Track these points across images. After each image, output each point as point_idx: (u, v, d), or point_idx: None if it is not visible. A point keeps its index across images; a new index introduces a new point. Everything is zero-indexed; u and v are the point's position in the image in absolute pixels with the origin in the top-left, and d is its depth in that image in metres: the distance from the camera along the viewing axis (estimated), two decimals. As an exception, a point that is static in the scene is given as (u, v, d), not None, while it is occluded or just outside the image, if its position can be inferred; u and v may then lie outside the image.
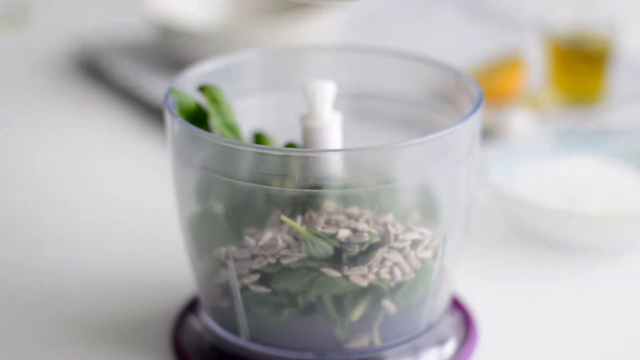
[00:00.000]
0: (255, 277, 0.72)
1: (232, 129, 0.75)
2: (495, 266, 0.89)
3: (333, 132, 0.74)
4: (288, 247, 0.70)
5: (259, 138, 0.79)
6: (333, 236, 0.69)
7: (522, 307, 0.84)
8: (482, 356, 0.78)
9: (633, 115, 1.13)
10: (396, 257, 0.71)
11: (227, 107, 0.75)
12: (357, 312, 0.72)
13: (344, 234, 0.69)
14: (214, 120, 0.75)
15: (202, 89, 0.75)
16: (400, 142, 0.68)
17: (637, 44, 1.28)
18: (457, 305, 0.82)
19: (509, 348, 0.79)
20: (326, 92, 0.74)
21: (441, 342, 0.77)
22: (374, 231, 0.70)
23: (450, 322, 0.79)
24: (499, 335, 0.80)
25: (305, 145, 0.74)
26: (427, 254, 0.72)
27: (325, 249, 0.70)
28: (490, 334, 0.80)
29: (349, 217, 0.70)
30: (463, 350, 0.78)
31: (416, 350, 0.76)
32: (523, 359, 0.79)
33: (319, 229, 0.69)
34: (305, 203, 0.70)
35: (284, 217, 0.70)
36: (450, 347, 0.77)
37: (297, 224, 0.70)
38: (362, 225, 0.69)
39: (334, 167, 0.69)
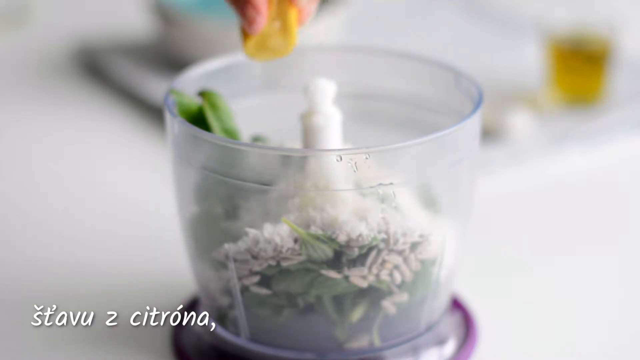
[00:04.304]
0: (256, 278, 0.71)
1: (232, 134, 0.75)
2: (495, 266, 0.89)
3: (333, 131, 0.74)
4: (288, 249, 0.70)
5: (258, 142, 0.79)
6: (333, 239, 0.69)
7: (522, 307, 0.84)
8: (482, 356, 0.78)
9: (633, 115, 1.13)
10: (396, 259, 0.71)
11: (226, 112, 0.75)
12: (357, 313, 0.72)
13: (343, 237, 0.69)
14: (213, 126, 0.74)
15: (202, 94, 0.75)
16: (400, 142, 0.68)
17: (637, 44, 1.28)
18: (457, 305, 0.82)
19: (509, 348, 0.79)
20: (326, 90, 0.74)
21: (441, 342, 0.77)
22: (374, 234, 0.70)
23: (450, 322, 0.79)
24: (499, 335, 0.80)
25: (305, 144, 0.74)
26: (427, 256, 0.72)
27: (325, 251, 0.70)
28: (490, 334, 0.80)
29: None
30: (463, 350, 0.78)
31: (416, 350, 0.76)
32: (523, 359, 0.79)
33: (319, 231, 0.69)
34: (305, 204, 0.70)
35: (284, 220, 0.70)
36: (450, 347, 0.77)
37: (298, 227, 0.70)
38: (362, 228, 0.69)
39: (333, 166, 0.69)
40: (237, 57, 0.79)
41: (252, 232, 0.71)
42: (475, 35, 1.36)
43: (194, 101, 0.75)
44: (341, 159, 0.68)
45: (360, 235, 0.69)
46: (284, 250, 0.70)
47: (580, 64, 1.16)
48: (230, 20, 1.21)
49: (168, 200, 0.83)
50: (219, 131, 0.74)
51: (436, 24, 1.40)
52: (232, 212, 0.72)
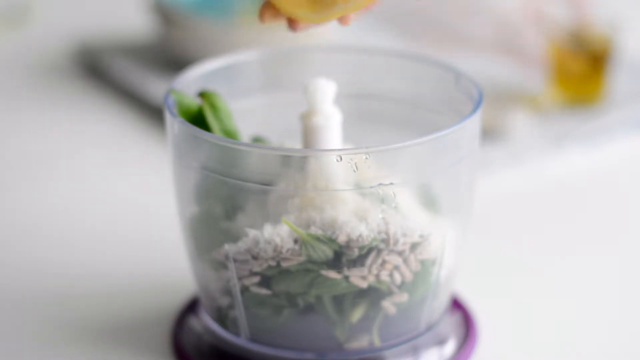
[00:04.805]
0: (256, 278, 0.71)
1: (231, 135, 0.75)
2: (495, 266, 0.89)
3: (333, 131, 0.74)
4: (288, 250, 0.70)
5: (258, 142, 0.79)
6: (333, 240, 0.69)
7: (522, 307, 0.84)
8: (482, 356, 0.78)
9: (633, 115, 1.13)
10: (396, 259, 0.71)
11: (226, 113, 0.75)
12: (357, 313, 0.72)
13: (343, 237, 0.69)
14: (213, 127, 0.74)
15: (202, 95, 0.75)
16: (400, 142, 0.68)
17: (637, 44, 1.28)
18: (457, 305, 0.82)
19: (509, 348, 0.79)
20: (327, 90, 0.74)
21: (441, 342, 0.77)
22: (374, 235, 0.70)
23: (450, 322, 0.79)
24: (499, 335, 0.80)
25: (305, 144, 0.74)
26: (427, 256, 0.72)
27: (325, 252, 0.70)
28: (490, 334, 0.80)
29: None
30: (463, 350, 0.78)
31: (416, 350, 0.76)
32: (523, 359, 0.79)
33: (319, 231, 0.69)
34: (305, 204, 0.70)
35: (284, 220, 0.70)
36: (450, 347, 0.77)
37: (298, 227, 0.69)
38: (362, 229, 0.69)
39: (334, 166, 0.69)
40: (237, 57, 0.79)
41: (252, 232, 0.71)
42: (476, 36, 1.35)
43: (194, 101, 0.75)
44: (341, 159, 0.68)
45: (360, 235, 0.69)
46: (284, 250, 0.70)
47: (580, 64, 1.16)
48: (230, 20, 1.21)
49: (168, 200, 0.83)
50: (218, 132, 0.74)
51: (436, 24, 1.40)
52: (232, 213, 0.72)
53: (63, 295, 0.85)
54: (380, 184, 0.69)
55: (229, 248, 0.71)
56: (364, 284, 0.71)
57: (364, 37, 1.32)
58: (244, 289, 0.72)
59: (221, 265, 0.73)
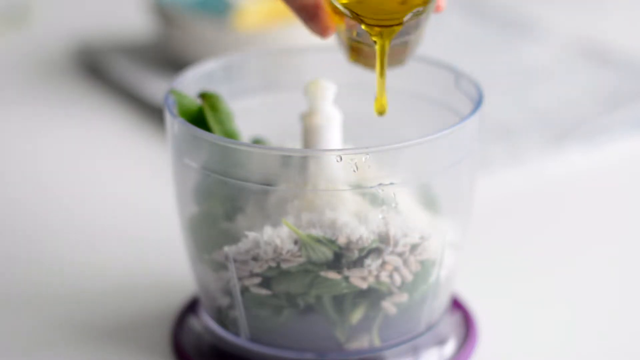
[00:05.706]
0: (256, 279, 0.71)
1: (232, 137, 0.75)
2: (495, 266, 0.89)
3: (333, 131, 0.74)
4: (288, 251, 0.70)
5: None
6: (333, 241, 0.69)
7: (522, 307, 0.84)
8: (482, 356, 0.78)
9: (633, 115, 1.13)
10: (396, 260, 0.71)
11: (226, 114, 0.75)
12: (357, 314, 0.72)
13: (343, 239, 0.69)
14: (213, 129, 0.74)
15: (202, 96, 0.75)
16: (400, 142, 0.68)
17: (637, 44, 1.28)
18: (457, 305, 0.82)
19: (509, 348, 0.79)
20: (327, 90, 0.74)
21: (441, 342, 0.77)
22: (374, 236, 0.70)
23: (450, 322, 0.79)
24: (499, 335, 0.80)
25: (305, 144, 0.74)
26: (427, 256, 0.72)
27: (325, 253, 0.70)
28: (490, 334, 0.80)
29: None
30: (463, 350, 0.78)
31: (416, 350, 0.76)
32: (523, 359, 0.79)
33: (320, 233, 0.69)
34: (305, 205, 0.70)
35: (284, 221, 0.70)
36: (450, 347, 0.77)
37: (298, 228, 0.69)
38: (362, 230, 0.69)
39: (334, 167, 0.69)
40: (237, 57, 0.79)
41: (251, 234, 0.70)
42: (475, 35, 1.36)
43: (194, 102, 0.75)
44: (341, 159, 0.68)
45: (360, 237, 0.69)
46: (283, 252, 0.70)
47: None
48: (230, 20, 1.21)
49: (168, 200, 0.82)
50: (219, 134, 0.74)
51: (436, 24, 1.40)
52: (232, 213, 0.72)
53: (63, 295, 0.85)
54: (380, 184, 0.69)
55: (228, 249, 0.71)
56: (363, 285, 0.71)
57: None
58: (244, 290, 0.72)
59: (221, 265, 0.73)
